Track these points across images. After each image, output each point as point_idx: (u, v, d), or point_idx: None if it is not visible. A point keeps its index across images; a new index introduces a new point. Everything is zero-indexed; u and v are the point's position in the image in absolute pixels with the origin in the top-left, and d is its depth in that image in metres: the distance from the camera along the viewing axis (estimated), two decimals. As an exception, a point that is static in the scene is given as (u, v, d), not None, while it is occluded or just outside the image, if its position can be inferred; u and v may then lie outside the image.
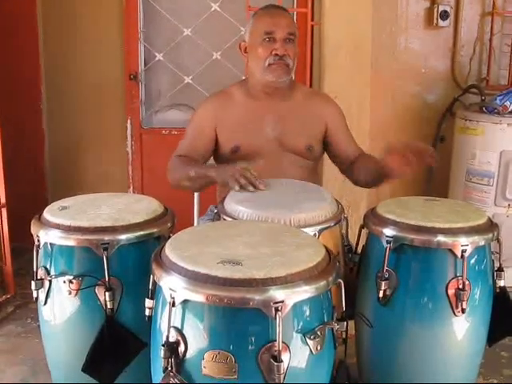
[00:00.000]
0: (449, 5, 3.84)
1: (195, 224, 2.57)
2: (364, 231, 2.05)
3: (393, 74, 3.89)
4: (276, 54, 2.23)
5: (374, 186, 2.35)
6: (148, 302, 1.56)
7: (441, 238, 1.82)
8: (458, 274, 1.83)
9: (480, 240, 1.86)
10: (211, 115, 2.35)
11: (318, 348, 1.42)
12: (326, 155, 2.50)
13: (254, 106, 2.36)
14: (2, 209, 3.12)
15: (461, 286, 1.82)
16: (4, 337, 2.86)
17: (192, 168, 2.21)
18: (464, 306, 1.82)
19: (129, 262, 1.82)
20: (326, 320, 1.46)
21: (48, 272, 1.82)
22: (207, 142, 2.35)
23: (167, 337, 1.38)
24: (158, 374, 1.45)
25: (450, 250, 1.83)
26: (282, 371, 1.32)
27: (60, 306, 1.84)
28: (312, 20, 3.41)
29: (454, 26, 3.93)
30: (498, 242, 1.94)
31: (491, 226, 1.93)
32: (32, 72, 3.87)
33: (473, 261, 1.87)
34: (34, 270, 1.84)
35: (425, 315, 1.88)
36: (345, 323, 1.50)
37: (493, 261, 1.97)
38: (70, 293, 1.79)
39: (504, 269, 1.98)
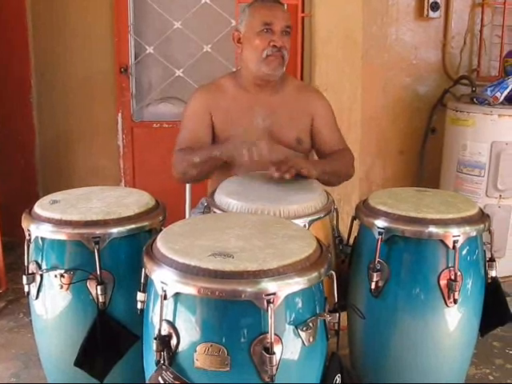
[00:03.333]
0: (439, -4, 3.84)
1: (187, 217, 2.57)
2: (356, 223, 2.05)
3: (384, 66, 3.89)
4: (274, 46, 2.21)
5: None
6: (140, 296, 1.56)
7: (432, 229, 1.83)
8: (449, 265, 1.83)
9: (471, 231, 1.86)
10: (205, 104, 2.34)
11: (311, 340, 1.43)
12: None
13: (244, 97, 2.35)
14: (-7, 203, 3.11)
15: (453, 277, 1.82)
16: (-4, 332, 2.86)
17: (195, 154, 2.19)
18: (456, 297, 1.83)
19: (120, 255, 1.82)
20: (318, 312, 1.46)
21: (39, 266, 1.81)
22: (207, 130, 2.33)
23: (159, 330, 1.38)
24: (150, 367, 1.45)
25: (442, 241, 1.83)
26: (274, 363, 1.33)
27: (52, 301, 1.83)
28: (303, 12, 3.41)
29: (444, 17, 3.93)
30: (490, 232, 1.95)
31: (482, 217, 1.94)
32: (22, 66, 3.84)
33: (464, 251, 1.87)
34: (26, 264, 1.84)
35: (417, 306, 1.89)
36: (337, 315, 1.50)
37: (484, 251, 1.98)
38: (61, 287, 1.79)
39: (496, 259, 1.98)
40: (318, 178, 2.14)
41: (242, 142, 2.07)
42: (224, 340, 1.36)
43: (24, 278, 1.83)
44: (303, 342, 1.41)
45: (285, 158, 2.14)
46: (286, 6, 3.48)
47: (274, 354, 1.32)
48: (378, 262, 1.88)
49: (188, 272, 1.36)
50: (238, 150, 2.04)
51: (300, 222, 1.77)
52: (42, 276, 1.81)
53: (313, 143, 2.42)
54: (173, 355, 1.39)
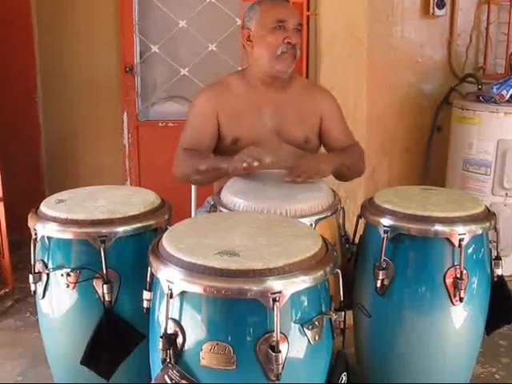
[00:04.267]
0: (445, -6, 3.83)
1: (193, 215, 2.57)
2: (361, 221, 2.05)
3: (389, 64, 3.88)
4: (288, 43, 2.21)
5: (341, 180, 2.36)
6: (146, 294, 1.56)
7: (438, 227, 1.82)
8: (455, 263, 1.83)
9: (477, 229, 1.86)
10: (212, 105, 2.32)
11: (316, 338, 1.42)
12: (322, 147, 2.49)
13: (252, 96, 2.34)
14: (-1, 202, 3.11)
15: (458, 275, 1.82)
16: (3, 331, 2.86)
17: (201, 161, 2.18)
18: (462, 295, 1.83)
19: (126, 254, 1.82)
20: (323, 310, 1.46)
21: (46, 265, 1.82)
22: (212, 131, 2.32)
23: (165, 329, 1.39)
24: (156, 366, 1.45)
25: (448, 239, 1.83)
26: (280, 361, 1.33)
27: (58, 300, 1.84)
28: (308, 10, 3.40)
29: (450, 14, 3.92)
30: (496, 230, 1.94)
31: (488, 215, 1.93)
32: (27, 66, 3.85)
33: (470, 250, 1.87)
34: (32, 263, 1.84)
35: (423, 304, 1.89)
36: (343, 313, 1.50)
37: (490, 250, 1.97)
38: (67, 286, 1.79)
39: (502, 258, 1.98)
40: (334, 171, 2.18)
41: (246, 153, 2.02)
42: (230, 338, 1.36)
43: (30, 276, 1.84)
44: (309, 340, 1.41)
45: (298, 160, 2.14)
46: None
47: (279, 352, 1.32)
48: (384, 260, 1.87)
49: (194, 270, 1.36)
50: (238, 161, 2.00)
51: (306, 220, 1.77)
52: (48, 275, 1.82)
53: (323, 143, 2.43)
54: (179, 354, 1.39)
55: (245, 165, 1.97)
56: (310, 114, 2.37)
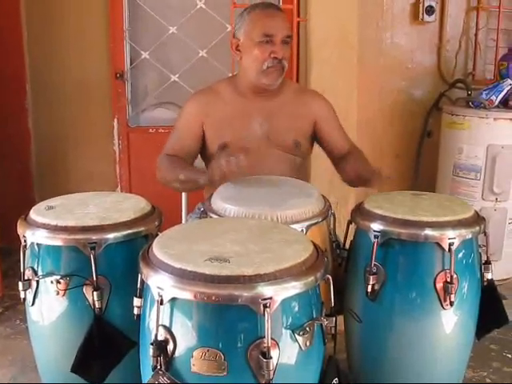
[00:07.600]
0: (434, 0, 3.85)
1: (183, 222, 2.57)
2: (352, 226, 2.05)
3: (379, 70, 3.89)
4: (275, 58, 2.19)
5: (354, 186, 2.34)
6: (136, 301, 1.56)
7: (428, 232, 1.83)
8: (445, 268, 1.83)
9: (467, 233, 1.86)
10: (198, 112, 2.33)
11: (308, 344, 1.42)
12: (314, 152, 2.50)
13: (242, 103, 2.34)
14: (-11, 210, 3.10)
15: (449, 280, 1.82)
16: (-7, 338, 2.85)
17: (181, 171, 2.17)
18: (452, 299, 1.83)
19: (116, 260, 1.81)
20: (314, 316, 1.46)
21: (35, 272, 1.81)
22: (195, 139, 2.33)
23: (156, 335, 1.38)
24: (147, 373, 1.45)
25: (438, 244, 1.83)
26: (271, 368, 1.32)
27: (48, 307, 1.82)
28: (298, 16, 3.41)
29: (439, 20, 3.95)
30: (485, 235, 1.95)
31: (478, 219, 1.94)
32: (17, 71, 3.83)
33: (460, 254, 1.87)
34: (21, 270, 1.83)
35: (413, 309, 1.89)
36: (334, 319, 1.50)
37: (480, 254, 1.98)
38: (57, 293, 1.78)
39: (491, 262, 1.99)
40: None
41: (218, 162, 1.98)
42: (221, 345, 1.35)
43: (20, 284, 1.82)
44: (300, 346, 1.41)
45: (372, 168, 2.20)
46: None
47: (270, 358, 1.32)
48: (374, 265, 1.87)
49: (184, 277, 1.36)
50: (215, 170, 1.98)
51: (297, 226, 1.77)
52: (38, 282, 1.81)
53: (322, 147, 2.43)
54: (169, 360, 1.39)
55: (223, 167, 1.93)
56: (301, 118, 2.37)
